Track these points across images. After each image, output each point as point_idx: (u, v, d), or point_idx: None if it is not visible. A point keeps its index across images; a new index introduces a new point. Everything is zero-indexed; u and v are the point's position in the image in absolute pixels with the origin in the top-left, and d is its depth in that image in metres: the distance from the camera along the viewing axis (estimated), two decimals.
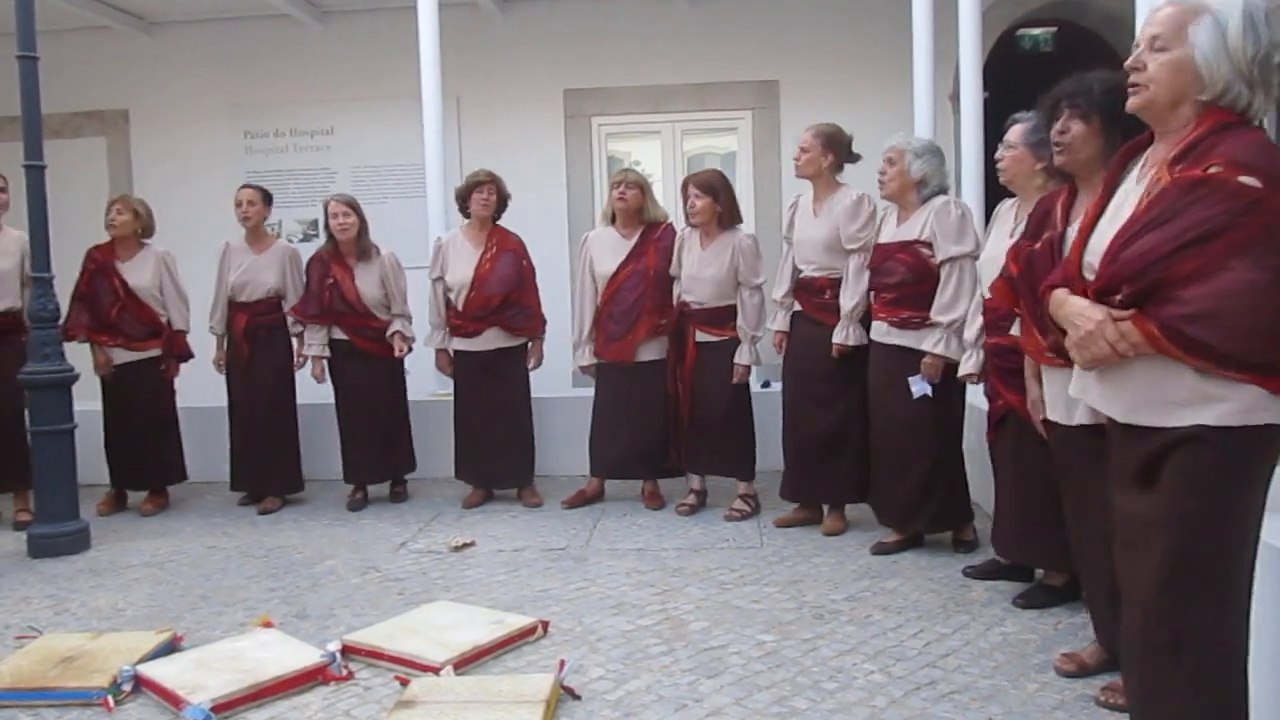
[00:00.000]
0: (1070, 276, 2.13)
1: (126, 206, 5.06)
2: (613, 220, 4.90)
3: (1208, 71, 1.95)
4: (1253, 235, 1.84)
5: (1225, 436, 1.89)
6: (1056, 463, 2.86)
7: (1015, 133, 3.38)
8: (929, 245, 3.83)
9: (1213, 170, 1.89)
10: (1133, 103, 2.07)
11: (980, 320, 3.58)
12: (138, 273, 5.03)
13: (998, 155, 3.44)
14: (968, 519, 4.04)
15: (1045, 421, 2.87)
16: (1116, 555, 2.14)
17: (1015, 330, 3.04)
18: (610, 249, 4.84)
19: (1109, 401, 2.07)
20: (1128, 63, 2.06)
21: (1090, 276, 2.07)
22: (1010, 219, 3.45)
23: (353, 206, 5.01)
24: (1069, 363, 2.47)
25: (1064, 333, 2.23)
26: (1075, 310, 2.06)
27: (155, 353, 5.07)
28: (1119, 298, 1.96)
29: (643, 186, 4.82)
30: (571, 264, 5.04)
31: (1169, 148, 2.03)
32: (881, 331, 3.99)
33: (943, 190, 3.95)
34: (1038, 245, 2.68)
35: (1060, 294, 2.15)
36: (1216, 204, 1.87)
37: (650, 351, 4.78)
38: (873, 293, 4.06)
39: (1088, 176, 2.68)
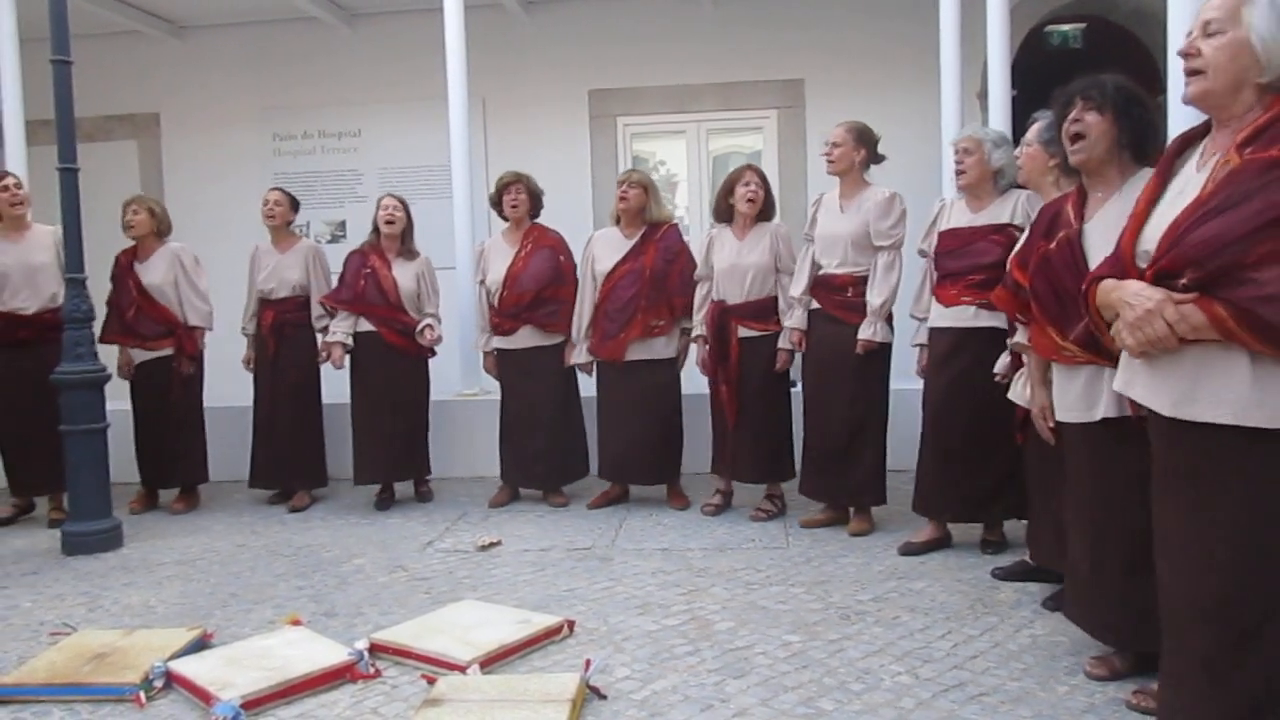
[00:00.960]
0: (1123, 265, 2.06)
1: (142, 206, 5.13)
2: (619, 220, 4.91)
3: (1265, 52, 1.89)
4: None
5: (1273, 439, 1.82)
6: (1069, 465, 2.82)
7: (1031, 131, 3.38)
8: (1021, 229, 3.75)
9: None
10: (1190, 92, 1.99)
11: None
12: (152, 271, 5.09)
13: (1016, 154, 3.43)
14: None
15: (1054, 426, 2.85)
16: (1161, 564, 2.07)
17: (1020, 337, 3.01)
18: (612, 247, 4.86)
19: (1155, 394, 1.99)
20: (1180, 49, 1.99)
21: (1145, 265, 2.01)
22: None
23: (404, 203, 5.12)
24: (1091, 357, 2.44)
25: (1099, 324, 2.18)
26: (1132, 291, 1.98)
27: (170, 351, 5.10)
28: (1183, 281, 1.89)
29: (645, 186, 4.83)
30: None
31: (1233, 132, 1.96)
32: (968, 316, 3.81)
33: (1013, 183, 3.89)
34: (1053, 245, 2.65)
35: (1110, 282, 2.08)
36: None
37: (643, 351, 4.78)
38: (949, 278, 3.88)
39: (1099, 171, 2.68)
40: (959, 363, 3.84)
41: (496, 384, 5.22)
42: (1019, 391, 3.13)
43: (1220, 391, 1.87)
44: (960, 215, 3.94)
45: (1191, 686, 1.99)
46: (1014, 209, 3.80)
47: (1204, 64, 1.95)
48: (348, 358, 5.09)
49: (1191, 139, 2.12)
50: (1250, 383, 1.83)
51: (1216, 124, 2.03)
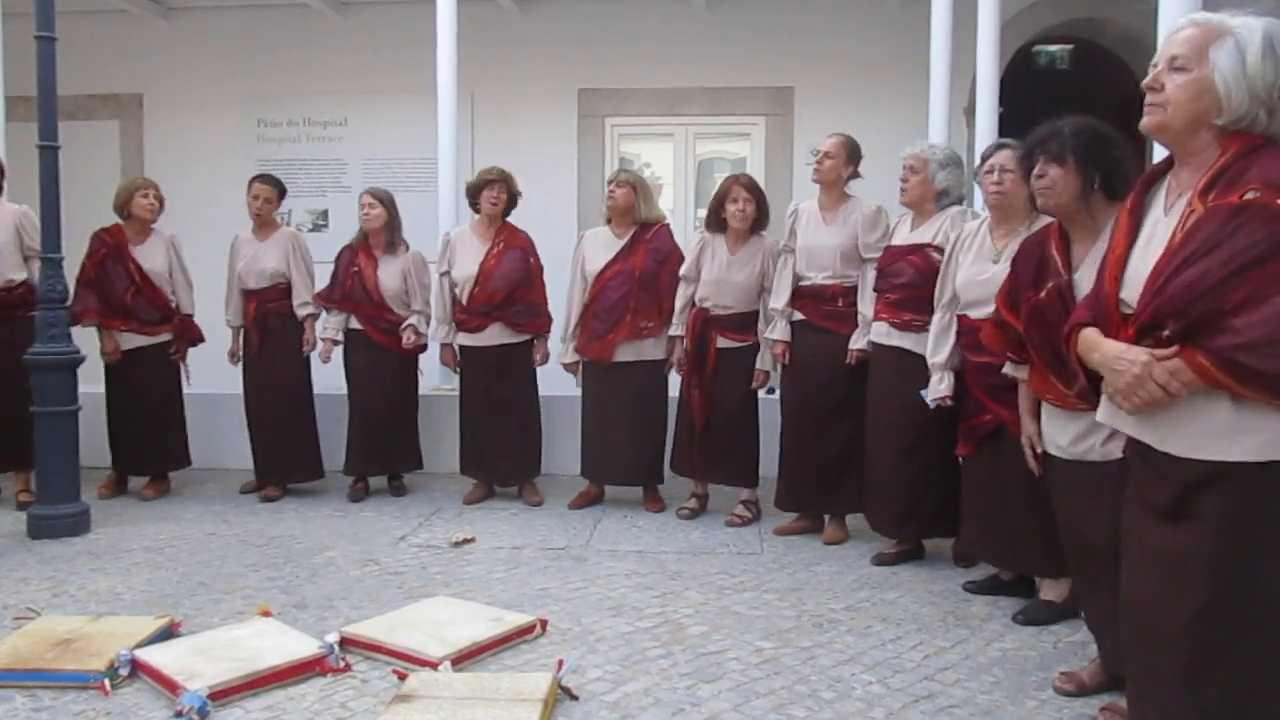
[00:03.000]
0: (1106, 312, 2.05)
1: (157, 192, 5.07)
2: (609, 220, 4.90)
3: (1226, 95, 1.90)
4: None
5: (1261, 473, 1.83)
6: (1056, 501, 2.84)
7: (1011, 158, 3.37)
8: (940, 250, 3.82)
9: (1250, 195, 1.83)
10: (1147, 123, 2.00)
11: (949, 343, 3.61)
12: (151, 256, 5.03)
13: (995, 179, 3.40)
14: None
15: (1039, 455, 2.87)
16: (1134, 584, 2.08)
17: (1010, 369, 3.01)
18: (602, 247, 4.84)
19: (1143, 428, 2.00)
20: (1145, 82, 2.01)
21: (1129, 312, 2.00)
22: (986, 243, 3.46)
23: (381, 199, 5.06)
24: (1093, 407, 2.38)
25: (1089, 374, 2.14)
26: (1114, 355, 1.97)
27: (165, 337, 5.07)
28: (1166, 333, 1.89)
29: (635, 186, 4.81)
30: None
31: (1194, 174, 1.97)
32: (882, 333, 3.98)
33: (959, 201, 3.97)
34: (1043, 295, 2.65)
35: (1091, 334, 2.07)
36: (1259, 229, 1.80)
37: (631, 353, 4.76)
38: (877, 294, 4.05)
39: (1071, 218, 2.71)
40: (877, 378, 4.02)
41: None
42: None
43: (1203, 428, 1.88)
44: (901, 233, 4.04)
45: (1173, 697, 1.99)
46: (938, 230, 3.87)
47: (1165, 100, 1.96)
48: (338, 351, 5.10)
49: (1155, 176, 2.12)
50: (1231, 420, 1.85)
51: (1178, 160, 2.04)
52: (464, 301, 4.95)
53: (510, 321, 4.93)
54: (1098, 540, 2.63)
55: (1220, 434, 1.86)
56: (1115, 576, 2.49)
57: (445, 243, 5.10)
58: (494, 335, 4.94)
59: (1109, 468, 2.51)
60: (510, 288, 4.89)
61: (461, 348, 5.03)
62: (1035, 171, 2.71)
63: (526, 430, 5.06)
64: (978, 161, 5.05)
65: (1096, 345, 2.03)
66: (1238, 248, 1.81)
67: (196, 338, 5.18)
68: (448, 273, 5.03)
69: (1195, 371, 1.84)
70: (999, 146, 3.49)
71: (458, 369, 5.10)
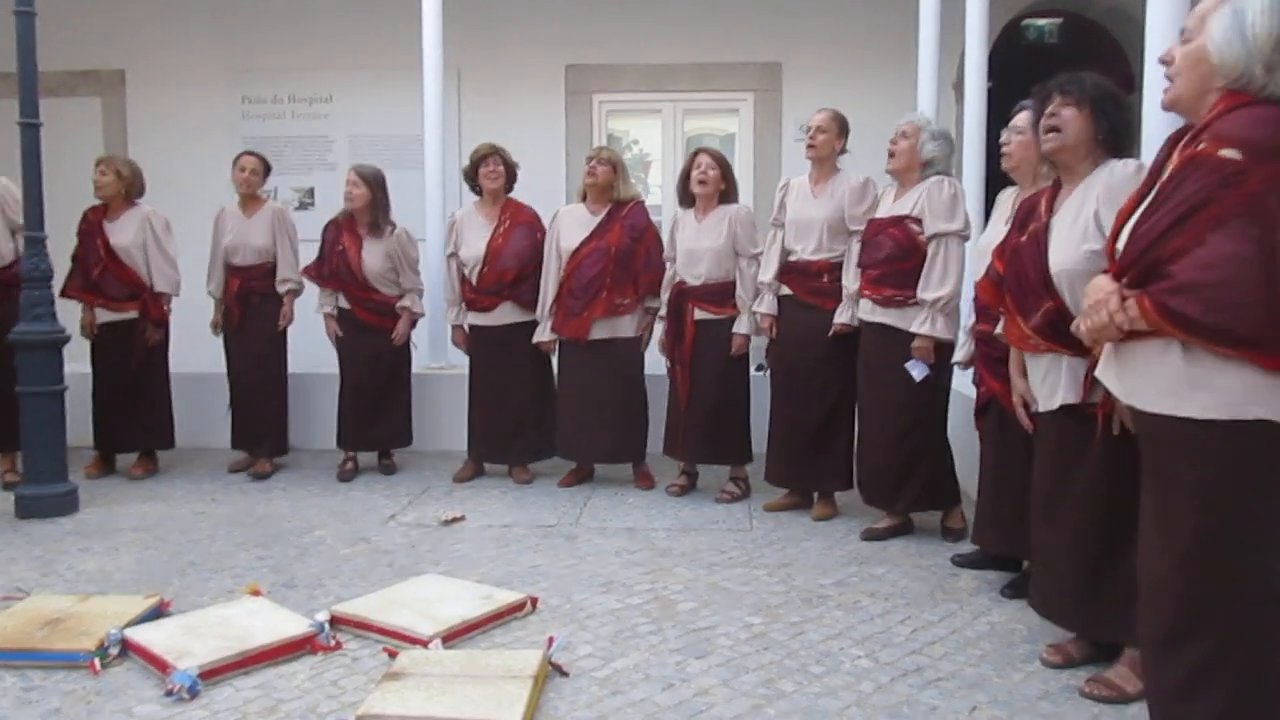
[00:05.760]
0: (1108, 263, 2.15)
1: (110, 167, 5.02)
2: (585, 197, 4.88)
3: (1219, 58, 1.95)
4: (1232, 208, 1.84)
5: (1212, 431, 1.88)
6: (1036, 455, 2.87)
7: (1025, 118, 3.37)
8: (919, 222, 3.83)
9: (1200, 147, 1.91)
10: (1164, 99, 2.07)
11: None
12: (120, 232, 4.99)
13: (1003, 140, 3.43)
14: (954, 502, 4.04)
15: (1031, 414, 2.88)
16: (1144, 546, 2.15)
17: (1000, 329, 3.04)
18: (577, 224, 4.82)
19: (1117, 382, 2.11)
20: (1160, 57, 2.08)
21: None
22: (1008, 208, 3.46)
23: (366, 178, 4.99)
24: (1051, 345, 2.54)
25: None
26: (1093, 284, 2.10)
27: (135, 314, 5.01)
28: (1124, 280, 2.01)
29: (614, 164, 4.80)
30: None
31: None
32: (867, 310, 3.98)
33: (940, 174, 3.96)
34: (1024, 238, 2.71)
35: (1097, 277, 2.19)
36: (1199, 180, 1.89)
37: (606, 330, 4.75)
38: (860, 269, 4.03)
39: (1072, 165, 2.71)
40: (865, 354, 4.02)
41: (463, 358, 5.18)
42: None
43: (1159, 382, 1.96)
44: (886, 204, 4.02)
45: (1164, 658, 2.04)
46: (916, 200, 3.87)
47: (1173, 72, 2.03)
48: (316, 328, 5.08)
49: (1178, 139, 2.17)
50: (1183, 373, 1.91)
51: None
52: (473, 281, 4.92)
53: (520, 300, 4.91)
54: (1073, 501, 2.67)
55: (1172, 388, 1.93)
56: (1091, 540, 2.56)
57: (451, 224, 5.07)
58: (504, 314, 4.93)
59: (1083, 416, 2.56)
60: (520, 266, 4.87)
61: (471, 327, 5.02)
62: (1048, 110, 2.69)
63: (537, 409, 5.04)
64: (967, 138, 5.09)
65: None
66: (1179, 198, 1.90)
67: (159, 318, 5.05)
68: (455, 254, 5.00)
69: (1141, 312, 1.93)
70: (1020, 108, 3.46)
71: (467, 349, 5.08)
